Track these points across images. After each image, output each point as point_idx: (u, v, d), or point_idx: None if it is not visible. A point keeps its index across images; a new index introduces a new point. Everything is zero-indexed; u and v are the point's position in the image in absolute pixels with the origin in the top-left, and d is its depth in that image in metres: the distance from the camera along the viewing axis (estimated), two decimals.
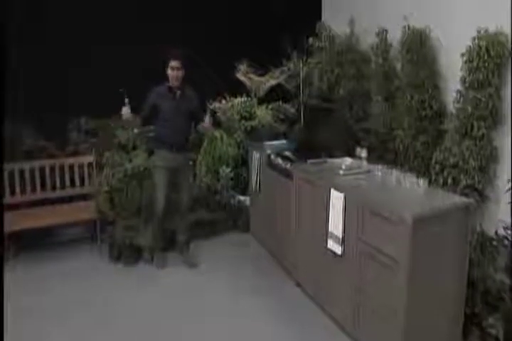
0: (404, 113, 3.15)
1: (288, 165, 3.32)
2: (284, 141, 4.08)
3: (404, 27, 3.18)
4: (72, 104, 4.14)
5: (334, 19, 4.29)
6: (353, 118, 3.62)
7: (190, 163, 4.02)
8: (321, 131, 3.54)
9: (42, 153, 4.12)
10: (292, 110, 4.75)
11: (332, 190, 2.68)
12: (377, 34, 3.49)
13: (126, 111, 3.58)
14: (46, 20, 4.11)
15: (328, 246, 2.74)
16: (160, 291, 3.33)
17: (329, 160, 3.11)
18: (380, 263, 2.28)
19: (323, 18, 4.59)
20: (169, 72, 3.42)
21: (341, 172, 2.84)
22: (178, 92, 3.50)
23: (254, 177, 3.99)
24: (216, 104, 4.64)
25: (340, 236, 2.61)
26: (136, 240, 3.77)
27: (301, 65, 4.63)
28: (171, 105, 3.47)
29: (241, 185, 4.53)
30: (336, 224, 2.65)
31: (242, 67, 4.67)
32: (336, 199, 2.63)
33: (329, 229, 2.72)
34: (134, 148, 4.33)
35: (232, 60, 4.67)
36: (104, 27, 4.27)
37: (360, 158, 3.10)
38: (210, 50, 4.49)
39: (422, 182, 2.47)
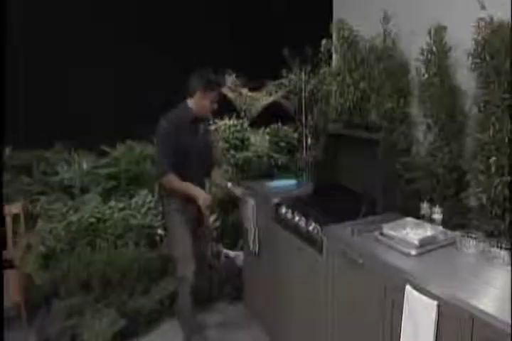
0: (487, 147, 2.09)
1: (311, 227, 2.20)
2: (291, 182, 2.96)
3: (481, 20, 2.14)
4: None
5: (353, 16, 3.21)
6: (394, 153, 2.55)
7: None
8: (354, 171, 2.44)
9: None
10: (295, 135, 3.66)
11: (409, 289, 1.57)
12: (430, 33, 2.44)
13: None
14: None
15: None
16: None
17: (380, 223, 2.01)
18: None
19: (334, 15, 3.51)
20: (207, 105, 2.52)
21: (413, 251, 1.73)
22: (203, 124, 2.67)
23: (250, 234, 2.83)
24: None
25: None
26: (82, 333, 2.54)
27: (303, 76, 3.58)
28: (194, 142, 2.56)
29: (230, 236, 3.37)
30: None
31: (230, 79, 3.55)
32: (418, 307, 1.52)
33: None
34: (84, 190, 3.12)
35: (215, 69, 3.54)
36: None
37: (429, 219, 2.01)
38: (184, 56, 3.38)
39: None
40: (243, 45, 3.68)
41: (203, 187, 2.63)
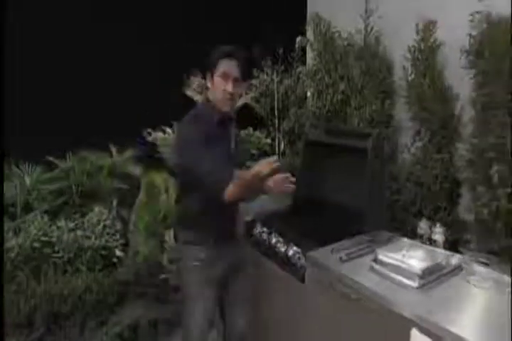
0: (486, 155, 1.85)
1: (291, 252, 1.89)
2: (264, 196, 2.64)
3: (477, 14, 1.89)
4: None
5: (329, 10, 2.92)
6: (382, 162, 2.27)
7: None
8: (337, 183, 2.16)
9: None
10: (267, 140, 3.35)
11: (416, 334, 1.28)
12: (417, 28, 2.18)
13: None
14: None
15: None
16: None
17: (370, 243, 1.73)
18: None
19: (309, 9, 3.22)
20: (218, 85, 1.70)
21: (416, 283, 1.44)
22: (233, 126, 1.88)
23: None
24: (157, 134, 3.14)
25: None
26: None
27: (275, 76, 3.30)
28: (226, 152, 1.79)
29: None
30: None
31: (195, 80, 3.21)
32: None
33: None
34: (27, 209, 2.71)
35: (180, 70, 3.21)
36: None
37: (429, 240, 1.74)
38: (144, 54, 3.04)
39: None
40: (209, 42, 3.34)
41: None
